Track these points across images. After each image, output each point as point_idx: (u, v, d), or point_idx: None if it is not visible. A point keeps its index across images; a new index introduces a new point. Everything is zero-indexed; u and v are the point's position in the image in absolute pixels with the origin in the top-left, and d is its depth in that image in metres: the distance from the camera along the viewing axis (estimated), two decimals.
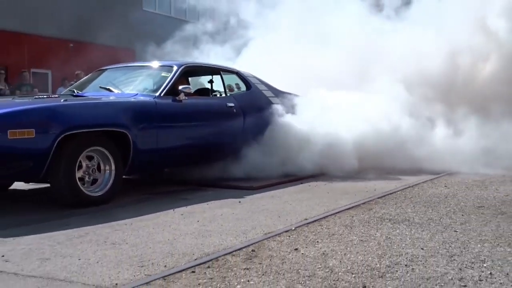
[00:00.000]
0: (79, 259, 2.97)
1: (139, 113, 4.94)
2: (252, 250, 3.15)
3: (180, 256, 3.03)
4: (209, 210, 4.33)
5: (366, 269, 2.78)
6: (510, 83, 8.12)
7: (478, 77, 8.44)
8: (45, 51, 14.45)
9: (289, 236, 3.48)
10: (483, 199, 4.81)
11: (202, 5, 18.62)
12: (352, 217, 4.06)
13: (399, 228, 3.67)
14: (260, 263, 2.90)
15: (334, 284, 2.57)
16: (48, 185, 4.53)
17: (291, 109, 6.64)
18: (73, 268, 2.81)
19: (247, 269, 2.80)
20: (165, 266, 2.86)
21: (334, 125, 6.50)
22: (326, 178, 6.04)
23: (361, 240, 3.36)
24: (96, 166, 4.57)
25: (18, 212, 4.38)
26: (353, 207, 4.44)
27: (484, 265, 2.84)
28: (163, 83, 5.45)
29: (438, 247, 3.18)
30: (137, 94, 5.29)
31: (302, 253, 3.08)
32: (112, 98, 5.25)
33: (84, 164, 4.47)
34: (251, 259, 2.98)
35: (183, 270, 2.78)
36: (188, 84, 6.02)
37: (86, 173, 4.49)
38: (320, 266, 2.84)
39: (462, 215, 4.10)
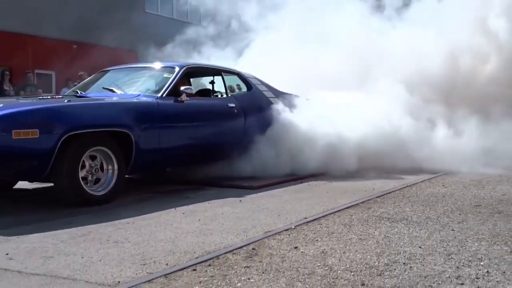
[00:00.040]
0: (82, 257, 2.97)
1: (142, 114, 4.94)
2: (253, 249, 3.15)
3: (181, 254, 3.03)
4: (210, 209, 4.33)
5: (365, 267, 2.78)
6: (510, 85, 8.09)
7: (478, 78, 8.41)
8: (49, 52, 14.45)
9: (289, 235, 3.48)
10: (480, 198, 4.81)
11: (204, 7, 18.62)
12: (351, 216, 4.06)
13: (397, 227, 3.67)
14: (261, 261, 2.90)
15: (333, 282, 2.57)
16: (52, 184, 4.54)
17: (291, 110, 6.64)
18: (76, 266, 2.81)
19: (248, 267, 2.80)
20: (167, 264, 2.86)
21: (335, 125, 6.49)
22: (326, 178, 6.04)
23: (360, 239, 3.36)
24: (99, 165, 4.57)
25: (22, 211, 4.38)
26: (352, 206, 4.44)
27: (481, 263, 2.84)
28: (165, 84, 5.45)
29: (435, 246, 3.18)
30: (139, 94, 5.30)
31: (302, 252, 3.08)
32: (115, 98, 5.25)
33: (87, 164, 4.47)
34: (251, 257, 2.98)
35: (185, 268, 2.78)
36: (190, 85, 6.02)
37: (89, 172, 4.50)
38: (319, 264, 2.84)
39: (460, 214, 4.10)
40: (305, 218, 3.96)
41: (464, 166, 6.49)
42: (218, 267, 2.80)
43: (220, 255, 3.01)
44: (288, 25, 9.27)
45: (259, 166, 5.96)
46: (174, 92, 5.39)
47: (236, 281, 2.58)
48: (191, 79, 6.63)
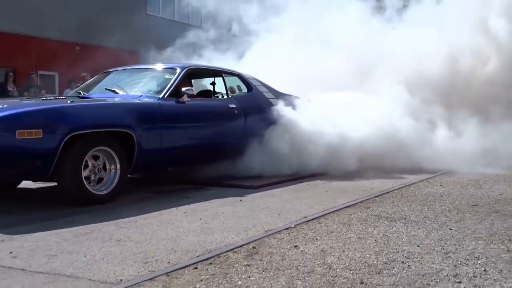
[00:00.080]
0: (85, 256, 2.97)
1: (144, 114, 4.94)
2: (253, 247, 3.15)
3: (183, 253, 3.03)
4: (211, 208, 4.33)
5: (364, 265, 2.78)
6: (509, 85, 8.07)
7: (478, 78, 8.37)
8: (52, 54, 14.45)
9: (289, 234, 3.48)
10: (477, 197, 4.81)
11: (205, 9, 18.62)
12: (350, 215, 4.06)
13: (395, 226, 3.67)
14: (261, 260, 2.90)
15: (333, 280, 2.57)
16: (55, 184, 4.54)
17: (291, 110, 6.63)
18: (79, 265, 2.81)
19: (248, 265, 2.80)
20: (169, 262, 2.86)
21: (336, 126, 6.48)
22: (325, 177, 6.04)
23: (359, 238, 3.36)
24: (101, 165, 4.57)
25: (25, 210, 4.38)
26: (351, 205, 4.44)
27: (479, 262, 2.84)
28: (167, 85, 5.46)
29: (433, 245, 3.18)
30: (141, 95, 5.30)
31: (302, 250, 3.08)
32: (117, 99, 5.25)
33: (90, 164, 4.47)
34: (252, 255, 2.98)
35: (186, 266, 2.78)
36: (191, 86, 6.02)
37: (92, 172, 4.50)
38: (319, 262, 2.84)
39: (457, 213, 4.10)
40: (305, 217, 3.96)
41: (464, 166, 6.48)
42: (219, 266, 2.80)
43: (221, 253, 3.01)
44: (289, 27, 9.26)
45: (259, 166, 5.96)
46: (176, 93, 5.39)
47: (237, 279, 2.58)
48: (192, 80, 6.64)
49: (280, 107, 6.56)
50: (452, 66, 8.23)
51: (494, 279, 2.56)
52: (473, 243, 3.22)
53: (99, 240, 3.31)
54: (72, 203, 4.37)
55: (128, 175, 4.93)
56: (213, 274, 2.66)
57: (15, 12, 14.65)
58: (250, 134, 6.12)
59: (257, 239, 3.32)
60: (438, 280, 2.55)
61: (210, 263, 2.84)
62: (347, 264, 2.80)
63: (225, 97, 6.39)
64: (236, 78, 6.82)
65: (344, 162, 6.27)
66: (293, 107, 6.71)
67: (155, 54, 11.25)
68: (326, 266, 2.77)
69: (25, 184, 5.33)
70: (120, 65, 6.78)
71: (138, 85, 5.74)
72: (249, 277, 2.62)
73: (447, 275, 2.62)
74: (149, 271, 2.72)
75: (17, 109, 4.23)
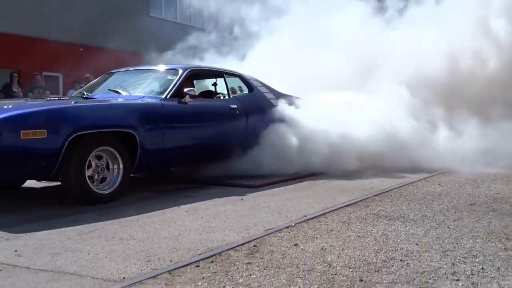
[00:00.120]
0: (89, 254, 2.97)
1: (146, 115, 4.94)
2: (254, 246, 3.15)
3: (185, 251, 3.03)
4: (212, 207, 4.33)
5: (363, 263, 2.78)
6: (509, 86, 8.03)
7: (478, 79, 8.32)
8: (56, 55, 14.46)
9: (289, 232, 3.48)
10: (475, 196, 4.80)
11: (207, 11, 18.62)
12: (350, 214, 4.06)
13: (394, 225, 3.67)
14: (262, 258, 2.90)
15: (332, 278, 2.57)
16: (59, 183, 4.54)
17: (292, 110, 6.62)
18: (83, 263, 2.81)
19: (249, 263, 2.80)
20: (171, 260, 2.86)
21: (336, 126, 6.46)
22: (325, 177, 6.04)
23: (358, 236, 3.35)
24: (105, 165, 4.57)
25: (30, 209, 4.38)
26: (350, 204, 4.44)
27: (476, 260, 2.83)
28: (169, 85, 5.46)
29: (432, 243, 3.18)
30: (144, 96, 5.30)
31: (302, 249, 3.08)
32: (120, 100, 5.26)
33: (93, 163, 4.48)
34: (253, 254, 2.98)
35: (188, 264, 2.78)
36: (193, 86, 6.02)
37: (95, 171, 4.50)
38: (319, 260, 2.84)
39: (455, 212, 4.09)
40: (305, 216, 3.96)
41: (464, 166, 6.45)
42: (221, 264, 2.80)
43: (223, 252, 3.01)
44: (290, 28, 9.24)
45: (260, 166, 5.95)
46: (178, 93, 5.39)
47: (238, 277, 2.58)
48: (194, 81, 6.64)
49: (281, 108, 6.55)
50: (452, 66, 8.19)
51: (492, 277, 2.56)
52: (471, 241, 3.22)
53: (103, 239, 3.31)
54: (75, 202, 4.37)
55: (131, 175, 4.93)
56: (215, 272, 2.66)
57: (20, 15, 14.66)
58: (251, 134, 6.12)
59: (258, 238, 3.32)
60: (436, 278, 2.55)
61: (212, 261, 2.84)
62: (346, 262, 2.80)
63: (227, 97, 6.39)
64: (237, 79, 6.82)
65: (345, 162, 6.26)
66: (294, 107, 6.70)
67: (158, 55, 11.24)
68: (326, 264, 2.77)
69: (30, 183, 5.33)
70: (123, 66, 6.78)
71: (141, 86, 5.74)
72: (250, 275, 2.62)
73: (445, 273, 2.62)
74: (151, 269, 2.72)
75: (21, 109, 4.23)
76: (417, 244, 3.15)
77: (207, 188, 5.40)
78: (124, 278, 2.58)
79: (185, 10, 20.91)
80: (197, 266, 2.76)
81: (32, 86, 11.55)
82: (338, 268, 2.71)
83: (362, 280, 2.52)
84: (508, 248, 3.05)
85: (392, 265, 2.74)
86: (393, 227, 3.59)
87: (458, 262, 2.80)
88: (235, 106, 6.09)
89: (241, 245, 3.16)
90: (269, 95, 6.74)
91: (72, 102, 4.69)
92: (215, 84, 6.54)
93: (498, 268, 2.69)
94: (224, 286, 2.47)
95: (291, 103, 6.76)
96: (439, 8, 9.12)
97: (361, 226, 3.62)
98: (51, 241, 3.24)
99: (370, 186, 5.39)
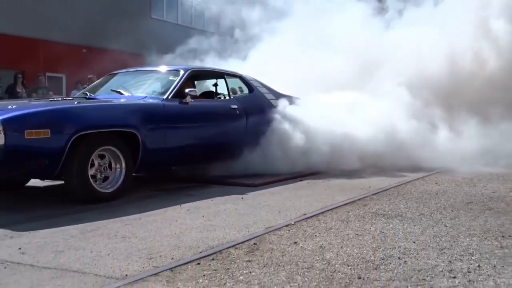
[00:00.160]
0: (91, 252, 2.97)
1: (148, 115, 4.94)
2: (254, 244, 3.15)
3: (186, 249, 3.03)
4: (213, 206, 4.33)
5: (361, 261, 2.78)
6: (508, 87, 8.01)
7: (478, 80, 8.30)
8: (59, 56, 14.45)
9: (289, 230, 3.48)
10: (471, 195, 4.80)
11: (208, 13, 18.61)
12: (348, 212, 4.06)
13: (392, 223, 3.67)
14: (262, 256, 2.90)
15: (331, 275, 2.57)
16: (62, 182, 4.54)
17: (291, 111, 6.61)
18: (85, 260, 2.81)
19: (249, 261, 2.80)
20: (172, 258, 2.86)
21: (336, 126, 6.44)
22: (324, 176, 6.03)
23: (357, 234, 3.35)
24: (107, 164, 4.58)
25: (33, 208, 4.38)
26: (349, 203, 4.44)
27: (473, 257, 2.83)
28: (171, 86, 5.46)
29: (429, 241, 3.18)
30: (146, 96, 5.30)
31: (301, 246, 3.08)
32: (122, 100, 5.26)
33: (96, 163, 4.48)
34: (253, 252, 2.98)
35: (189, 262, 2.78)
36: (194, 87, 6.02)
37: (98, 171, 4.50)
38: (318, 258, 2.84)
39: (452, 211, 4.09)
40: (304, 214, 3.96)
41: (464, 165, 6.43)
42: (221, 261, 2.80)
43: (223, 249, 3.01)
44: (291, 29, 9.21)
45: (260, 165, 5.95)
46: (179, 94, 5.39)
47: (238, 275, 2.58)
48: (195, 82, 6.64)
49: (281, 108, 6.55)
50: (452, 66, 8.15)
51: (488, 275, 2.56)
52: (468, 239, 3.22)
53: (105, 237, 3.31)
54: (78, 201, 4.37)
55: (133, 174, 4.93)
56: (215, 270, 2.66)
57: (24, 17, 14.66)
58: (251, 134, 6.11)
59: (258, 236, 3.32)
60: (433, 276, 2.55)
61: (213, 259, 2.84)
62: (345, 260, 2.80)
63: (227, 98, 6.39)
64: (237, 80, 6.82)
65: (345, 162, 6.25)
66: (293, 107, 6.69)
67: (159, 57, 11.23)
68: (325, 262, 2.77)
69: (33, 182, 5.33)
70: (125, 67, 6.78)
71: (142, 87, 5.74)
72: (250, 272, 2.62)
73: (442, 270, 2.62)
74: (153, 266, 2.72)
75: (25, 109, 4.23)
76: (414, 242, 3.15)
77: (208, 187, 5.40)
78: (126, 275, 2.58)
79: (187, 12, 20.91)
80: (198, 263, 2.76)
81: (36, 87, 11.55)
82: (336, 265, 2.71)
83: (360, 278, 2.52)
84: (504, 246, 3.05)
85: (390, 263, 2.74)
86: (391, 226, 3.59)
87: (455, 260, 2.80)
88: (235, 106, 6.09)
89: (241, 243, 3.16)
90: (269, 96, 6.73)
91: (75, 103, 4.69)
92: (215, 85, 6.54)
93: (494, 266, 2.69)
94: (224, 283, 2.47)
95: (290, 103, 6.75)
96: (439, 8, 9.09)
97: (359, 225, 3.62)
98: (54, 239, 3.24)
99: (368, 185, 5.39)
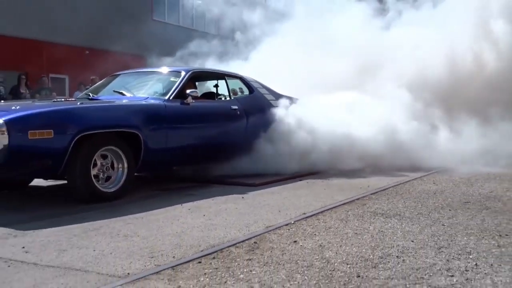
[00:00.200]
0: (94, 250, 2.97)
1: (150, 115, 4.94)
2: (254, 242, 3.15)
3: (187, 248, 3.03)
4: (214, 205, 4.33)
5: (360, 260, 2.78)
6: (508, 88, 7.99)
7: (477, 80, 8.28)
8: (62, 57, 14.45)
9: (289, 229, 3.48)
10: (469, 195, 4.80)
11: (209, 15, 18.62)
12: (347, 211, 4.05)
13: (390, 222, 3.66)
14: (262, 254, 2.89)
15: (331, 273, 2.56)
16: (65, 182, 4.54)
17: (291, 111, 6.61)
18: (88, 259, 2.81)
19: (250, 259, 2.80)
20: (174, 257, 2.86)
21: (336, 126, 6.43)
22: (323, 176, 6.03)
23: (356, 233, 3.35)
24: (110, 164, 4.58)
25: (37, 207, 4.38)
26: (348, 202, 4.44)
27: (470, 256, 2.83)
28: (172, 87, 5.46)
29: (427, 240, 3.17)
30: (147, 97, 5.30)
31: (301, 245, 3.08)
32: (124, 101, 5.25)
33: (98, 162, 4.48)
34: (253, 250, 2.98)
35: (190, 260, 2.78)
36: (195, 88, 6.02)
37: (101, 170, 4.50)
38: (317, 257, 2.84)
39: (450, 210, 4.09)
40: (304, 213, 3.96)
41: (464, 165, 6.41)
42: (222, 260, 2.80)
43: (224, 248, 3.01)
44: (291, 30, 9.20)
45: (260, 165, 5.95)
46: (181, 95, 5.39)
47: (239, 273, 2.58)
48: (197, 83, 6.63)
49: (281, 108, 6.54)
50: (452, 67, 8.13)
51: (485, 273, 2.56)
52: (465, 238, 3.22)
53: (107, 236, 3.31)
54: (81, 201, 4.37)
55: (135, 174, 4.93)
56: (216, 268, 2.66)
57: (27, 19, 14.67)
58: (251, 134, 6.11)
59: (258, 235, 3.32)
60: (431, 274, 2.54)
61: (214, 258, 2.83)
62: (344, 259, 2.80)
63: (228, 98, 6.39)
64: (238, 81, 6.82)
65: (345, 162, 6.24)
66: (294, 108, 6.68)
67: (161, 58, 11.24)
68: (324, 261, 2.77)
69: (37, 182, 5.33)
70: (127, 69, 6.78)
71: (144, 88, 5.74)
72: (251, 270, 2.62)
73: (440, 269, 2.62)
74: (155, 265, 2.72)
75: (29, 110, 4.23)
76: (412, 241, 3.14)
77: (209, 186, 5.39)
78: (128, 273, 2.58)
79: (188, 14, 20.92)
80: (199, 262, 2.76)
81: (39, 88, 11.55)
82: (336, 264, 2.71)
83: (359, 276, 2.52)
84: (501, 245, 3.05)
85: (389, 261, 2.74)
86: (389, 225, 3.58)
87: (453, 258, 2.79)
88: (236, 107, 6.09)
89: (241, 242, 3.16)
90: (269, 96, 6.74)
91: (78, 103, 4.69)
92: (216, 86, 6.54)
93: (492, 265, 2.69)
94: (225, 282, 2.47)
95: (290, 104, 6.75)
96: (439, 9, 9.07)
97: (358, 224, 3.62)
98: (57, 238, 3.24)
99: (367, 184, 5.39)
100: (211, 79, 6.85)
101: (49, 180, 5.25)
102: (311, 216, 3.89)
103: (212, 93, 6.58)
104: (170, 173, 6.24)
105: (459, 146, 6.91)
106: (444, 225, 3.58)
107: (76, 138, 4.19)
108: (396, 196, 4.76)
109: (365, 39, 8.51)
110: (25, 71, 11.96)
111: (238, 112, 6.07)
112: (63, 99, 5.69)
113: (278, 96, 6.88)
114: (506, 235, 3.29)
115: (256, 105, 6.44)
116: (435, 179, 5.80)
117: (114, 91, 5.60)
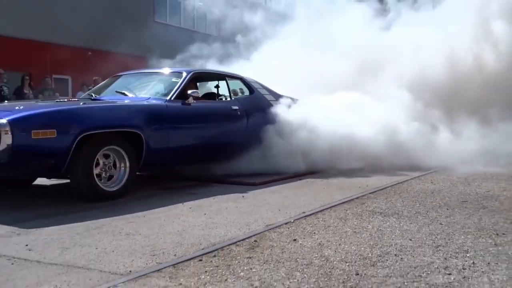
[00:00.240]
0: (96, 248, 2.97)
1: (151, 115, 4.94)
2: (255, 241, 3.15)
3: (188, 246, 3.03)
4: (215, 204, 4.33)
5: (359, 258, 2.78)
6: (507, 88, 7.97)
7: (477, 81, 8.26)
8: (65, 58, 14.48)
9: (288, 228, 3.47)
10: (466, 194, 4.79)
11: (210, 17, 18.62)
12: (346, 210, 4.05)
13: (389, 221, 3.66)
14: (262, 253, 2.89)
15: (330, 271, 2.56)
16: (68, 180, 4.54)
17: (291, 111, 6.60)
18: (91, 257, 2.81)
19: (250, 258, 2.80)
20: (175, 255, 2.86)
21: (336, 126, 6.42)
22: (323, 175, 6.03)
23: (354, 232, 3.35)
24: (112, 163, 4.57)
25: (40, 206, 4.38)
26: (347, 201, 4.43)
27: (468, 255, 2.83)
28: (174, 88, 5.46)
29: (425, 238, 3.17)
30: (149, 98, 5.30)
31: (300, 244, 3.07)
32: (126, 101, 5.25)
33: (101, 162, 4.48)
34: (253, 248, 2.98)
35: (191, 258, 2.78)
36: (197, 89, 6.02)
37: (103, 170, 4.50)
38: (316, 255, 2.84)
39: (447, 209, 4.09)
40: (304, 212, 3.96)
41: (464, 165, 6.41)
42: (223, 258, 2.80)
43: (224, 246, 3.01)
44: (292, 31, 9.18)
45: (260, 165, 5.95)
46: (182, 95, 5.39)
47: (239, 271, 2.58)
48: (198, 84, 6.63)
49: (281, 108, 6.54)
50: (452, 67, 8.12)
51: (482, 271, 2.55)
52: (462, 237, 3.21)
53: (110, 234, 3.31)
54: (84, 199, 4.37)
55: (137, 173, 4.92)
56: (217, 266, 2.66)
57: (31, 21, 14.69)
58: (251, 134, 6.11)
59: (259, 233, 3.32)
60: (429, 272, 2.54)
61: (214, 256, 2.83)
62: (343, 257, 2.80)
63: (228, 99, 6.39)
64: (238, 81, 6.82)
65: (345, 162, 6.23)
66: (293, 108, 6.68)
67: (162, 59, 11.24)
68: (323, 259, 2.77)
69: (40, 181, 5.33)
70: (129, 70, 6.78)
71: (146, 88, 5.75)
72: (251, 268, 2.62)
73: (437, 267, 2.62)
74: (156, 263, 2.72)
75: (32, 110, 4.23)
76: (410, 240, 3.14)
77: (210, 185, 5.39)
78: (130, 271, 2.58)
79: (189, 16, 20.93)
80: (200, 260, 2.76)
81: (42, 88, 11.56)
82: (335, 262, 2.71)
83: (358, 274, 2.52)
84: (498, 244, 3.05)
85: (387, 260, 2.74)
86: (387, 223, 3.58)
87: (450, 257, 2.79)
88: (236, 107, 6.09)
89: (242, 240, 3.16)
90: (269, 97, 6.74)
91: (81, 103, 4.69)
92: (217, 86, 6.54)
93: (489, 263, 2.68)
94: (226, 280, 2.47)
95: (290, 104, 6.75)
96: (439, 10, 9.05)
97: (357, 222, 3.62)
98: (60, 236, 3.24)
99: (366, 184, 5.38)
100: (212, 80, 6.85)
101: (52, 179, 5.25)
102: (310, 215, 3.88)
103: (213, 93, 6.58)
104: (171, 172, 6.24)
105: (459, 146, 6.90)
106: (441, 224, 3.58)
107: (79, 137, 4.19)
108: (395, 195, 4.76)
109: (365, 40, 8.49)
110: (29, 72, 11.98)
111: (239, 112, 6.07)
112: (66, 100, 5.68)
113: (278, 96, 6.88)
114: (503, 233, 3.29)
115: (256, 105, 6.44)
116: (433, 179, 5.80)
117: (116, 91, 5.61)
